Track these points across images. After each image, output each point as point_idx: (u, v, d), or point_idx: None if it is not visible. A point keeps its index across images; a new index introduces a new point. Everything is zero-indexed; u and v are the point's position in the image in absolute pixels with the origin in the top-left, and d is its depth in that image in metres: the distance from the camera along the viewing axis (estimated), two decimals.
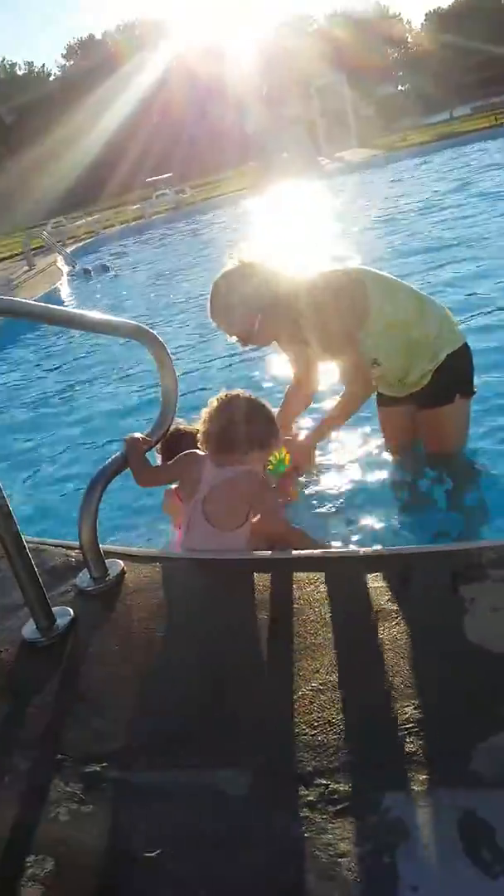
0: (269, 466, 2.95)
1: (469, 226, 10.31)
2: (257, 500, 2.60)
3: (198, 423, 2.69)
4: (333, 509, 3.25)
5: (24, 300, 2.16)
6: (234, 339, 2.99)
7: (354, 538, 2.96)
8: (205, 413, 2.65)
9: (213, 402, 2.65)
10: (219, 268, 2.92)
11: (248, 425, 2.58)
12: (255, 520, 2.64)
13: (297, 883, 1.35)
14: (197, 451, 2.68)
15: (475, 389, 3.10)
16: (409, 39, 55.36)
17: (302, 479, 3.41)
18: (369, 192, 18.51)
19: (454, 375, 3.00)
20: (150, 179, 32.36)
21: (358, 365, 2.91)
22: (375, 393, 3.27)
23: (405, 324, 2.89)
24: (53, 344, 10.10)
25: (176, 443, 2.86)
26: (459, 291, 6.92)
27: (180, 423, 3.00)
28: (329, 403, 3.28)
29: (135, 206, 28.94)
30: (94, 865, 1.52)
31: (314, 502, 3.31)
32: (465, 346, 3.01)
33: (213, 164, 41.76)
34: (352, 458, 3.70)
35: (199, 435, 2.65)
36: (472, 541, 2.21)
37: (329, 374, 3.30)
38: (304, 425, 3.78)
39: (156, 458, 2.90)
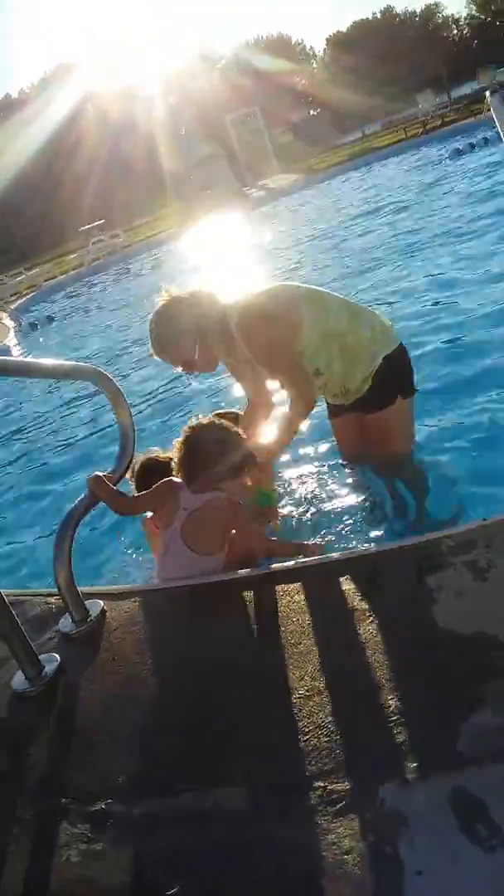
0: (253, 500, 3.03)
1: (389, 232, 10.63)
2: (237, 526, 2.67)
3: (171, 452, 2.75)
4: (300, 520, 3.32)
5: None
6: (179, 369, 3.05)
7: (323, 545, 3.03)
8: (176, 443, 2.70)
9: (184, 431, 2.70)
10: (156, 304, 3.00)
11: (219, 456, 2.64)
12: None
13: (308, 883, 1.40)
14: (174, 478, 2.73)
15: (416, 388, 3.20)
16: (315, 65, 56.76)
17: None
18: (296, 215, 18.91)
19: (393, 377, 3.09)
20: (83, 228, 32.52)
21: (296, 382, 2.98)
22: (325, 403, 3.36)
23: (339, 332, 2.97)
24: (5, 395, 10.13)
25: (152, 472, 2.91)
26: (402, 294, 7.14)
27: (155, 451, 3.06)
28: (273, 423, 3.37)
29: (72, 256, 29.08)
30: None
31: (281, 515, 3.38)
32: (402, 347, 3.11)
33: (139, 207, 42.16)
34: (312, 470, 3.79)
35: (172, 464, 2.70)
36: (432, 532, 2.29)
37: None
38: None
39: (132, 490, 2.95)
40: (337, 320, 2.98)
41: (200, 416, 2.83)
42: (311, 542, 2.99)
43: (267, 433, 3.22)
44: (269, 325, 2.88)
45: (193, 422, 2.73)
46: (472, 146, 16.67)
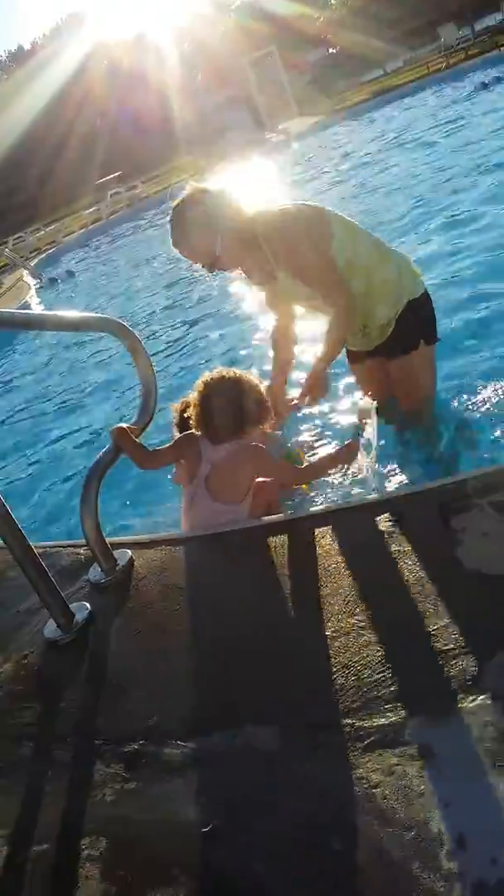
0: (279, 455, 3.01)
1: (415, 170, 10.38)
2: (264, 470, 2.67)
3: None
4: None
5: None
6: (199, 265, 2.93)
7: (347, 491, 3.02)
8: (192, 397, 2.69)
9: (200, 385, 2.69)
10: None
11: (235, 409, 2.63)
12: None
13: (338, 817, 1.43)
14: (194, 431, 2.74)
15: (438, 337, 3.14)
16: (332, 2, 54.85)
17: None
18: (317, 158, 18.47)
19: (417, 322, 3.03)
20: (99, 181, 32.16)
21: (331, 285, 2.84)
22: (345, 350, 3.30)
23: (365, 266, 2.89)
24: (24, 352, 10.17)
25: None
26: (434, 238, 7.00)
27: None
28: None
29: (90, 210, 28.82)
30: (146, 838, 1.60)
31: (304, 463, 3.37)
32: (426, 294, 3.05)
33: (157, 157, 41.51)
34: (332, 417, 3.77)
35: (191, 419, 2.70)
36: (457, 475, 2.27)
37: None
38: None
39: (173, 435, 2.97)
40: (365, 253, 2.90)
41: (214, 368, 2.80)
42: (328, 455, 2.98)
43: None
44: (300, 227, 2.79)
45: (207, 377, 2.70)
46: (499, 79, 16.08)
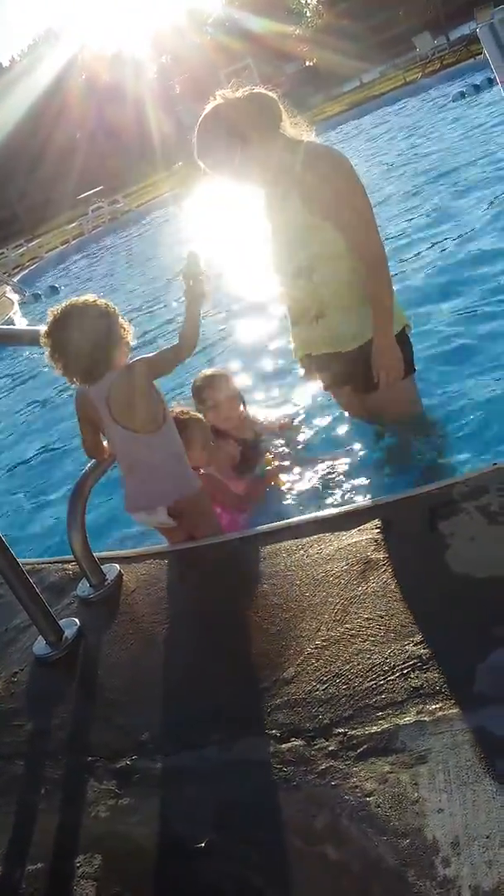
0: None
1: (395, 180, 10.44)
2: (148, 369, 2.51)
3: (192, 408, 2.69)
4: (309, 473, 3.31)
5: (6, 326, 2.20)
6: (211, 169, 2.72)
7: (334, 501, 3.03)
8: (49, 359, 2.48)
9: (51, 332, 2.44)
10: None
11: (90, 344, 2.43)
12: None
13: (332, 827, 1.43)
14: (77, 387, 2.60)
15: (415, 367, 2.96)
16: (308, 14, 55.33)
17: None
18: None
19: None
20: (81, 196, 32.18)
21: (371, 221, 2.63)
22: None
23: (359, 271, 2.71)
24: (6, 366, 10.16)
25: (182, 429, 2.76)
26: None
27: (183, 408, 3.00)
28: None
29: (73, 225, 28.85)
30: (141, 853, 1.59)
31: (291, 476, 3.38)
32: (403, 332, 2.84)
33: (138, 171, 41.65)
34: (318, 422, 3.78)
35: (55, 369, 2.50)
36: (443, 479, 2.28)
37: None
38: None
39: None
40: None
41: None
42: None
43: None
44: (348, 164, 2.61)
45: (51, 314, 2.46)
46: (476, 87, 16.22)
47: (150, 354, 2.52)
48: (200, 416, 3.06)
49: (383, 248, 2.68)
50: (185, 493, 2.60)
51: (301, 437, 3.70)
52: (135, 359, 2.54)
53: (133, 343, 2.56)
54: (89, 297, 2.50)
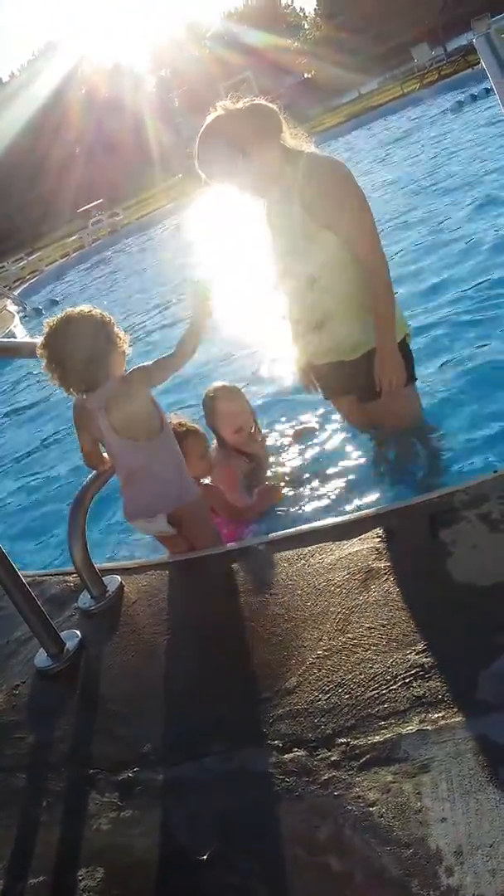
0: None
1: (394, 192, 10.47)
2: (144, 376, 2.50)
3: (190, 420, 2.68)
4: (309, 484, 3.31)
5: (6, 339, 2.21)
6: (212, 180, 2.72)
7: (335, 510, 3.02)
8: (44, 357, 2.46)
9: (47, 342, 2.45)
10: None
11: (87, 353, 2.43)
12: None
13: (335, 837, 1.42)
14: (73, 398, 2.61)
15: (416, 376, 2.97)
16: (306, 26, 55.76)
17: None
18: None
19: None
20: (81, 209, 32.34)
21: (373, 229, 2.63)
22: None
23: (362, 280, 2.71)
24: (7, 379, 10.17)
25: (180, 441, 2.77)
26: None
27: (181, 420, 3.01)
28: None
29: (73, 238, 28.99)
30: (143, 866, 1.58)
31: (293, 486, 3.38)
32: (404, 343, 2.85)
33: (137, 184, 41.85)
34: (319, 431, 3.78)
35: (51, 379, 2.50)
36: (444, 487, 2.28)
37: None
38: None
39: None
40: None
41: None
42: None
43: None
44: (347, 173, 2.62)
45: (47, 325, 2.47)
46: (474, 97, 16.30)
47: (147, 363, 2.52)
48: (198, 426, 3.07)
49: (384, 255, 2.68)
50: (184, 501, 2.60)
51: (305, 447, 3.70)
52: (132, 368, 2.54)
53: (129, 352, 2.56)
54: (84, 307, 2.51)
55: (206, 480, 3.12)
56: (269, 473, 3.47)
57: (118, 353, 2.51)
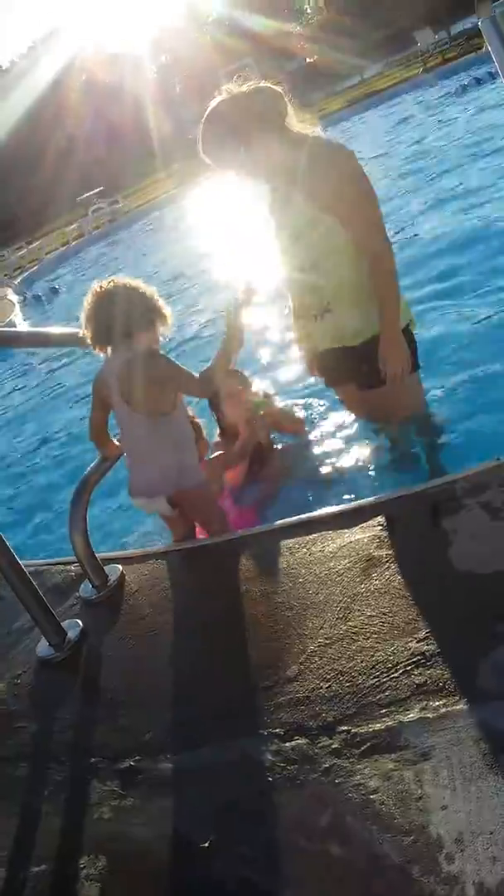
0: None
1: (401, 176, 10.40)
2: (165, 373, 2.53)
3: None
4: (312, 472, 3.31)
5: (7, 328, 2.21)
6: (215, 165, 2.70)
7: (337, 498, 3.02)
8: (83, 314, 2.56)
9: (88, 299, 2.54)
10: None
11: (127, 311, 2.50)
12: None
13: (336, 825, 1.42)
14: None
15: (420, 364, 2.93)
16: (308, 10, 55.26)
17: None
18: None
19: None
20: (81, 197, 32.21)
21: (378, 218, 2.61)
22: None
23: (364, 268, 2.68)
24: (7, 367, 10.18)
25: None
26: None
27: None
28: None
29: (73, 226, 28.90)
30: (145, 854, 1.59)
31: (294, 474, 3.38)
32: (408, 330, 2.84)
33: (138, 171, 41.67)
34: (320, 421, 3.77)
35: (86, 337, 2.57)
36: (445, 476, 2.27)
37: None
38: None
39: None
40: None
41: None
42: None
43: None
44: (353, 158, 2.60)
45: (95, 287, 2.55)
46: (478, 81, 16.16)
47: (184, 370, 2.53)
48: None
49: (388, 240, 2.66)
50: (187, 485, 2.60)
51: (307, 436, 3.69)
52: (159, 355, 2.57)
53: (167, 337, 2.63)
54: (135, 281, 2.59)
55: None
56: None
57: (152, 326, 2.56)
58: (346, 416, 3.55)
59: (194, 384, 2.52)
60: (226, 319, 2.60)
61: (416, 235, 7.21)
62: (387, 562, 2.00)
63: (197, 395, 2.64)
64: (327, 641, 1.84)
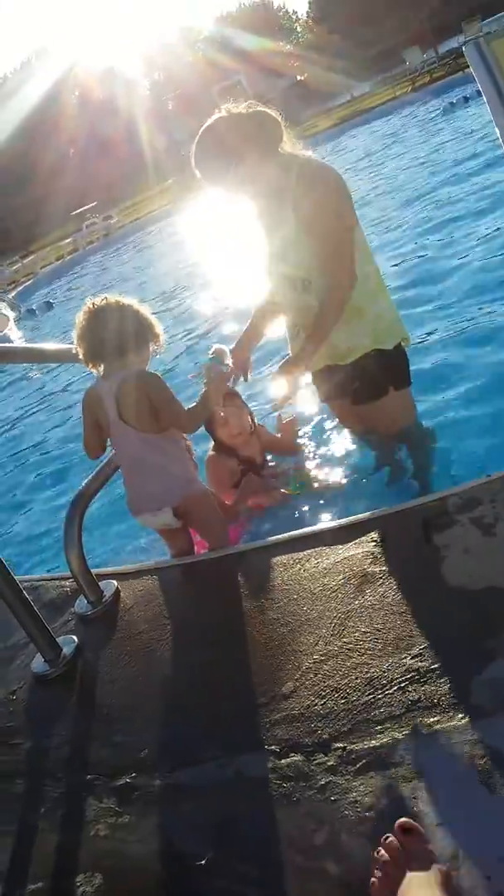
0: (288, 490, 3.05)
1: (388, 193, 10.50)
2: (160, 398, 2.54)
3: None
4: (306, 493, 3.32)
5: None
6: (206, 182, 2.71)
7: (330, 514, 3.03)
8: (76, 332, 2.57)
9: (81, 317, 2.55)
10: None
11: (120, 330, 2.53)
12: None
13: (332, 842, 1.43)
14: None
15: (410, 381, 2.97)
16: (298, 29, 55.86)
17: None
18: None
19: (381, 373, 2.85)
20: (75, 212, 32.32)
21: (343, 254, 2.64)
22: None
23: (359, 281, 2.72)
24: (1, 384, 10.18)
25: None
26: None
27: None
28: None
29: (67, 241, 29.00)
30: (141, 871, 1.59)
31: (287, 490, 3.38)
32: (400, 348, 2.88)
33: (131, 187, 41.87)
34: (313, 436, 3.78)
35: (80, 356, 2.60)
36: (437, 492, 2.29)
37: None
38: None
39: None
40: (365, 272, 2.75)
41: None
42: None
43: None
44: (337, 184, 2.63)
45: (87, 305, 2.57)
46: (466, 99, 16.37)
47: (175, 402, 2.56)
48: None
49: (350, 274, 2.66)
50: (191, 492, 2.63)
51: (301, 452, 3.70)
52: (151, 374, 2.60)
53: (159, 352, 2.67)
54: (127, 299, 2.63)
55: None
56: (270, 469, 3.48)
57: (145, 345, 2.60)
58: (338, 432, 3.58)
59: (183, 418, 2.56)
60: (208, 371, 2.65)
61: (403, 251, 7.28)
62: (381, 577, 2.01)
63: (183, 431, 2.67)
64: (322, 658, 1.85)
